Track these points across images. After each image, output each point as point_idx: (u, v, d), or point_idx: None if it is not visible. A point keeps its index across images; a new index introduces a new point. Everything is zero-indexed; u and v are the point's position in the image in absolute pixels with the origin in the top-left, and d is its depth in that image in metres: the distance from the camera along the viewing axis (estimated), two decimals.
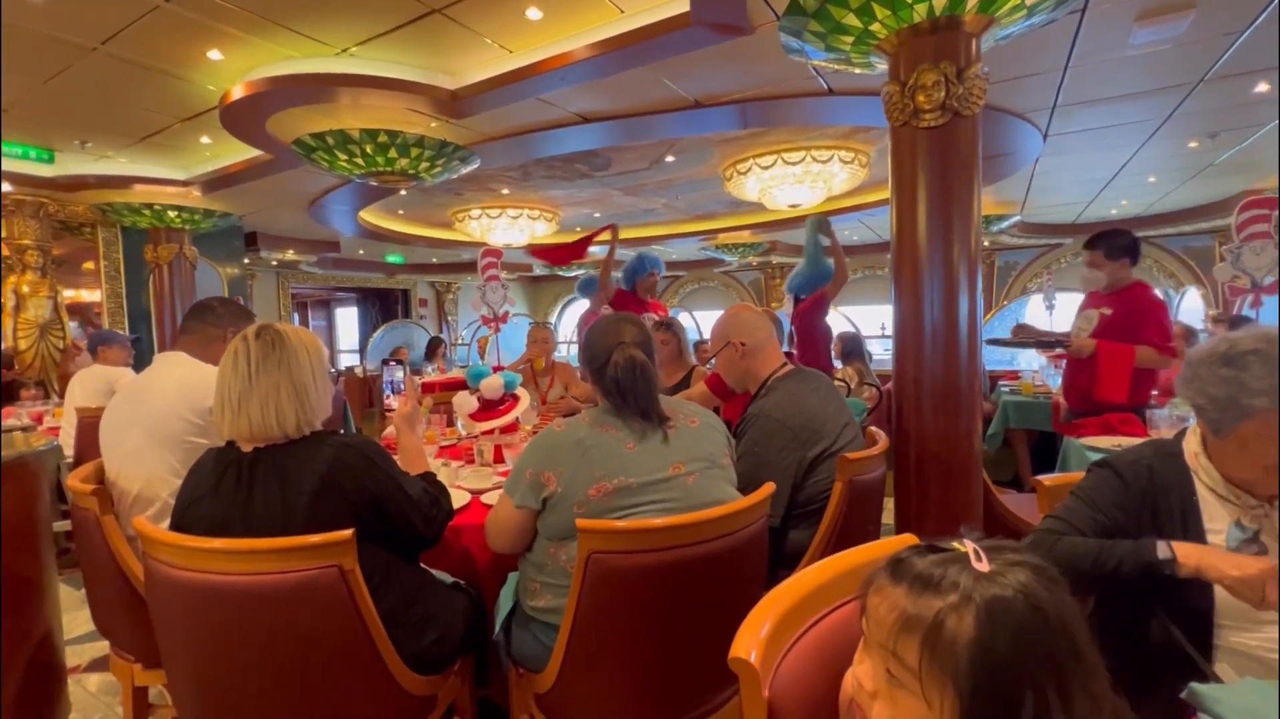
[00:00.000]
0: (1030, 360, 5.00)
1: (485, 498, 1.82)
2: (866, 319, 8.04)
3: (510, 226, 6.47)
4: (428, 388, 4.84)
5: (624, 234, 8.07)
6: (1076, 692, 0.56)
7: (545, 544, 1.34)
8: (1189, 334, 4.07)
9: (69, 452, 3.22)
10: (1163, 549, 0.99)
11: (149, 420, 1.62)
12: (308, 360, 1.24)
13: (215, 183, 4.72)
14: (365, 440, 1.27)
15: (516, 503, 1.33)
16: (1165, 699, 0.88)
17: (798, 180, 4.72)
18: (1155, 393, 2.75)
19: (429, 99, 3.23)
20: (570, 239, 8.17)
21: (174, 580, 1.10)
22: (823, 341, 3.90)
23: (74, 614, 2.60)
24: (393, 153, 3.65)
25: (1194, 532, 1.08)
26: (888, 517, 2.32)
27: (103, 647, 2.23)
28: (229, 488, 1.16)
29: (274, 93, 3.09)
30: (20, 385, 4.70)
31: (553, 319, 12.94)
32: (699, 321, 10.47)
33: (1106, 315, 2.59)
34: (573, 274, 10.49)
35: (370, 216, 6.66)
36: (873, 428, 1.95)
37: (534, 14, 2.68)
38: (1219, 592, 0.97)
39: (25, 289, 4.94)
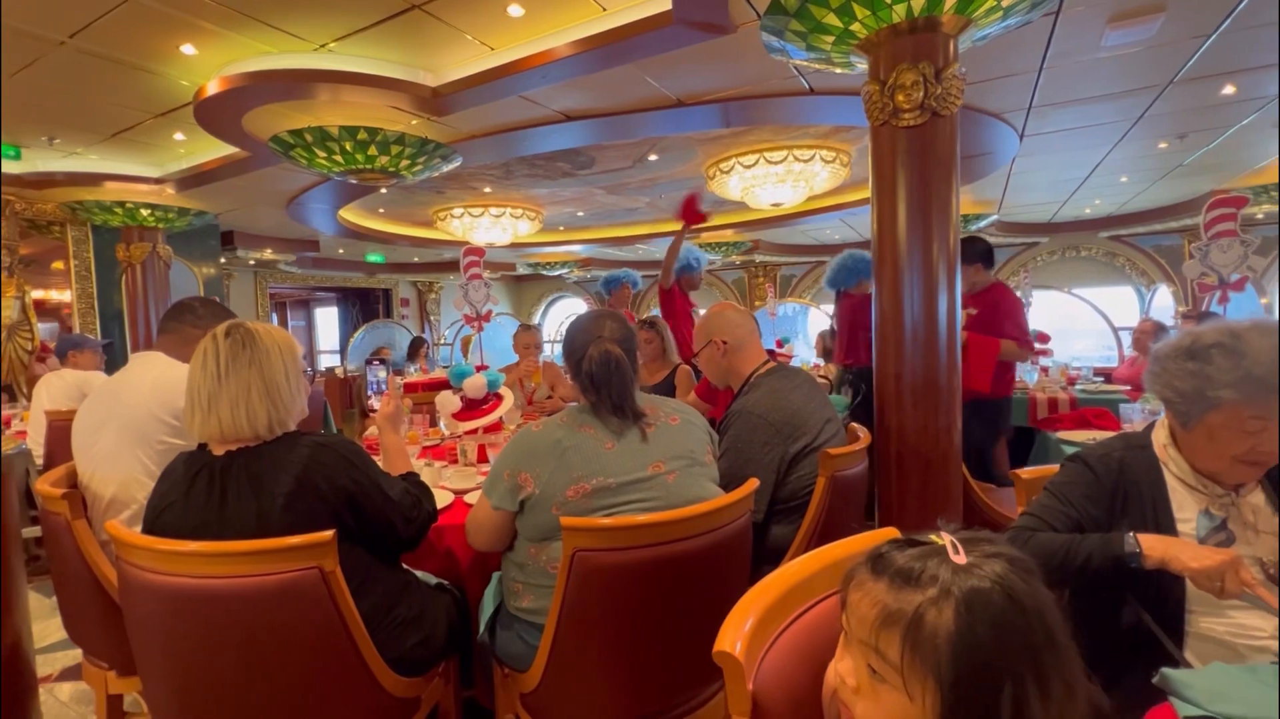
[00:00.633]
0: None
1: (469, 498, 1.81)
2: None
3: (493, 225, 6.43)
4: (410, 388, 4.80)
5: (606, 233, 8.09)
6: (1053, 679, 0.57)
7: (526, 545, 1.34)
8: (1159, 330, 4.18)
9: (38, 455, 3.14)
10: (1129, 543, 1.01)
11: (124, 421, 1.58)
12: (280, 359, 1.22)
13: (190, 180, 4.63)
14: (342, 440, 1.25)
15: (494, 504, 1.33)
16: (1139, 684, 0.90)
17: (780, 180, 4.75)
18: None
19: (409, 96, 3.19)
20: (553, 238, 8.17)
21: (149, 585, 1.07)
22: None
23: (45, 623, 2.54)
24: (373, 150, 3.61)
25: (1164, 522, 1.11)
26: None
27: (75, 655, 2.18)
28: (201, 493, 1.14)
29: (250, 88, 3.03)
30: None
31: (536, 318, 12.89)
32: None
33: (972, 314, 2.83)
34: (555, 273, 10.47)
35: (350, 215, 6.57)
36: (854, 424, 1.97)
37: (515, 11, 2.67)
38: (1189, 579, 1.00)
39: None
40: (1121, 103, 3.74)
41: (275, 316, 10.70)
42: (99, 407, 1.64)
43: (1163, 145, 4.63)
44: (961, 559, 0.60)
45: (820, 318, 8.67)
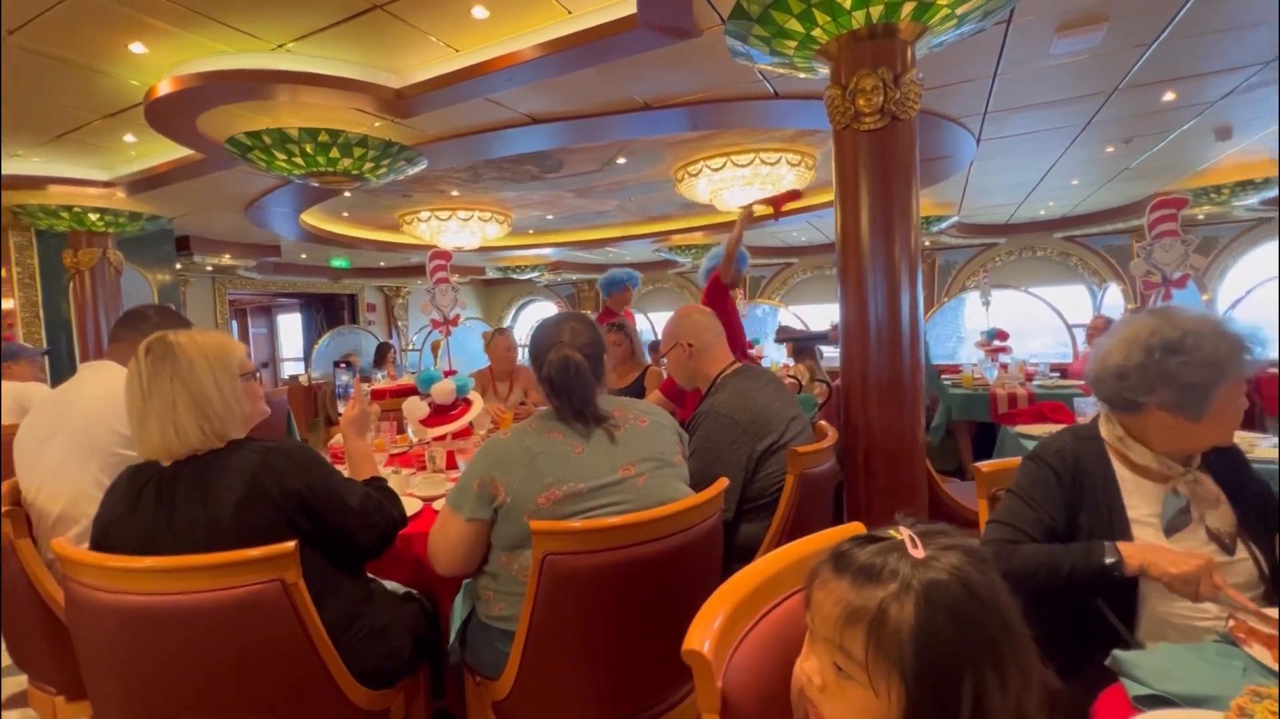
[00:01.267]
0: (970, 354, 5.23)
1: (437, 504, 1.78)
2: (816, 318, 8.26)
3: (461, 229, 6.35)
4: (377, 395, 4.71)
5: (576, 236, 8.07)
6: (1010, 666, 0.59)
7: (498, 554, 1.32)
8: (1110, 326, 4.34)
9: None
10: (1110, 552, 1.04)
11: (73, 433, 1.52)
12: (206, 366, 1.16)
13: (142, 183, 4.46)
14: (295, 444, 1.22)
15: (467, 516, 1.30)
16: (1095, 668, 0.93)
17: (747, 182, 4.80)
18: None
19: (372, 98, 3.14)
20: (523, 241, 8.10)
21: (99, 605, 1.03)
22: None
23: None
24: (334, 153, 3.53)
25: (1116, 510, 1.15)
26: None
27: (20, 681, 2.07)
28: (149, 505, 1.10)
29: (205, 89, 2.94)
30: None
31: (507, 322, 12.77)
32: (654, 323, 10.53)
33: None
34: (525, 276, 10.40)
35: (313, 219, 6.42)
36: (822, 422, 2.01)
37: (480, 12, 2.65)
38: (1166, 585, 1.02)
39: None
40: (1071, 108, 3.89)
41: (235, 324, 10.38)
42: (46, 418, 1.57)
43: (1110, 149, 4.82)
44: (920, 553, 0.61)
45: (790, 319, 8.79)
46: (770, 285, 10.73)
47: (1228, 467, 1.18)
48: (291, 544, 1.05)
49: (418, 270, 9.78)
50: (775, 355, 6.75)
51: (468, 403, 2.44)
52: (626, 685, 1.30)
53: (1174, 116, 4.10)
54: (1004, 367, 4.57)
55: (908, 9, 2.05)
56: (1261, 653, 0.88)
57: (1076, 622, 1.13)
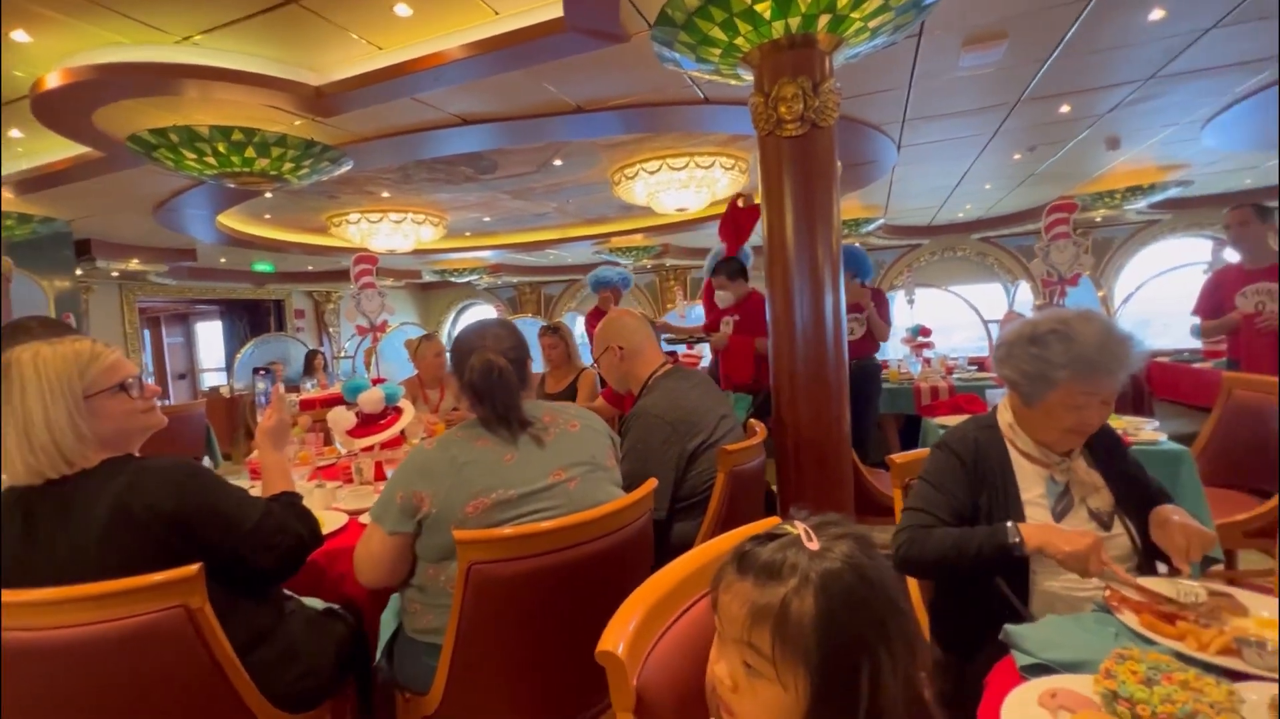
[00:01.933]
0: (896, 350, 5.47)
1: (364, 518, 1.73)
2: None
3: (394, 231, 6.15)
4: (306, 405, 4.49)
5: (515, 239, 7.96)
6: (897, 642, 0.62)
7: (425, 566, 1.29)
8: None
9: None
10: (1012, 533, 1.13)
11: None
12: (39, 386, 1.04)
13: (32, 183, 4.10)
14: (173, 461, 1.12)
15: (389, 529, 1.26)
16: (996, 644, 1.00)
17: (684, 185, 4.87)
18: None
19: (290, 95, 3.00)
20: (460, 244, 7.91)
21: None
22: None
23: None
24: (250, 152, 3.36)
25: (1012, 493, 1.25)
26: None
27: None
28: (13, 530, 1.02)
29: (101, 82, 2.74)
30: None
31: (446, 327, 12.45)
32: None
33: (737, 320, 3.30)
34: (464, 279, 10.17)
35: (231, 221, 6.07)
36: (753, 420, 2.06)
37: (403, 10, 2.58)
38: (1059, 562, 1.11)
39: None
40: (981, 118, 4.15)
41: (147, 333, 9.68)
42: None
43: (1017, 156, 5.17)
44: (814, 545, 0.64)
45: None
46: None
47: (1106, 452, 1.29)
48: (195, 567, 0.99)
49: (348, 274, 9.40)
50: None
51: (398, 412, 2.37)
52: (559, 692, 1.29)
53: (1070, 127, 4.43)
54: (927, 361, 4.80)
55: (824, 21, 2.14)
56: (1131, 618, 0.97)
57: (981, 602, 1.21)
